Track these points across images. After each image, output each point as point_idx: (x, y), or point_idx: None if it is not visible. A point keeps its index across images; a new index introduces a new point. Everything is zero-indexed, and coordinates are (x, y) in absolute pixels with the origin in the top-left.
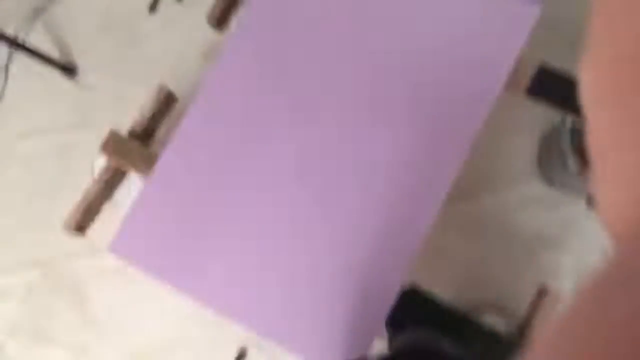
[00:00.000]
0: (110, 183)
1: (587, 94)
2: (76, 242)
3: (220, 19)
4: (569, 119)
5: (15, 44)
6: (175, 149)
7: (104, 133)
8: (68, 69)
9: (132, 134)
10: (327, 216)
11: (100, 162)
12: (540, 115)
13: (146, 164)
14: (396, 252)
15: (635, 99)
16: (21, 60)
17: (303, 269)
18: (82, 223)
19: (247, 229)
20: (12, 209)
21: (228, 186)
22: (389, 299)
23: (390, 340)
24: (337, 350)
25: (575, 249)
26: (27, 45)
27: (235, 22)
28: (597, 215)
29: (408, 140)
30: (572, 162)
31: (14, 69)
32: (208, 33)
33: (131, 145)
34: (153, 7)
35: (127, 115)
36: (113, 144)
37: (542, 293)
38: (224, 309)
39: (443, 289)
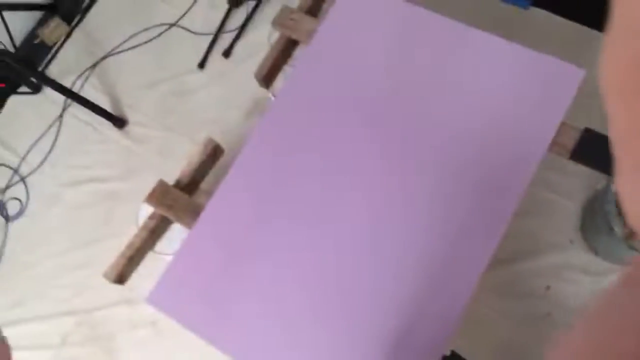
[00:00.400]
0: (153, 233)
1: (609, 87)
2: (113, 291)
3: (267, 77)
4: (613, 183)
5: (71, 94)
6: (219, 202)
7: (148, 184)
8: (118, 120)
9: (179, 185)
10: (367, 281)
11: (145, 212)
12: (585, 180)
13: (190, 214)
14: (439, 320)
15: None
16: (75, 110)
17: (343, 331)
18: (123, 273)
19: (287, 288)
20: (53, 255)
21: (269, 242)
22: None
23: None
24: None
25: None
26: (81, 95)
27: (280, 80)
28: (624, 210)
29: (453, 204)
30: (617, 227)
31: (67, 118)
32: (253, 89)
33: (177, 195)
34: (202, 63)
35: (173, 167)
36: (159, 194)
37: None
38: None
39: (481, 357)
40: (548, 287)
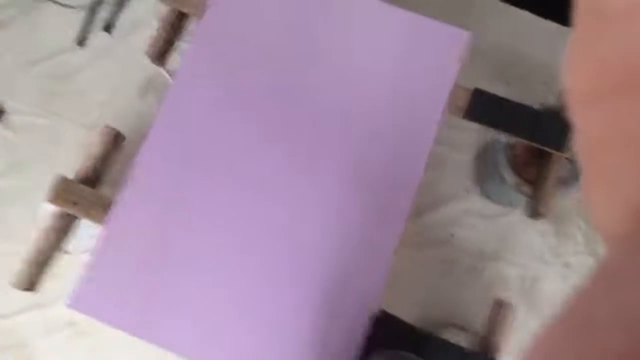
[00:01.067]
0: (59, 232)
1: (574, 94)
2: (19, 297)
3: (159, 53)
4: (503, 137)
5: None
6: (130, 193)
7: (41, 178)
8: None
9: (80, 178)
10: (292, 251)
11: (45, 210)
12: (475, 134)
13: (99, 209)
14: (368, 278)
15: (622, 99)
16: None
17: (270, 306)
18: (32, 279)
19: (211, 273)
20: None
21: (190, 229)
22: (363, 326)
23: None
24: None
25: (517, 258)
26: None
27: (175, 56)
28: (590, 216)
29: (363, 172)
30: (507, 175)
31: None
32: (143, 65)
33: (81, 190)
34: (81, 40)
35: (65, 156)
36: (61, 190)
37: (497, 305)
38: (191, 355)
39: (397, 311)
40: (452, 235)
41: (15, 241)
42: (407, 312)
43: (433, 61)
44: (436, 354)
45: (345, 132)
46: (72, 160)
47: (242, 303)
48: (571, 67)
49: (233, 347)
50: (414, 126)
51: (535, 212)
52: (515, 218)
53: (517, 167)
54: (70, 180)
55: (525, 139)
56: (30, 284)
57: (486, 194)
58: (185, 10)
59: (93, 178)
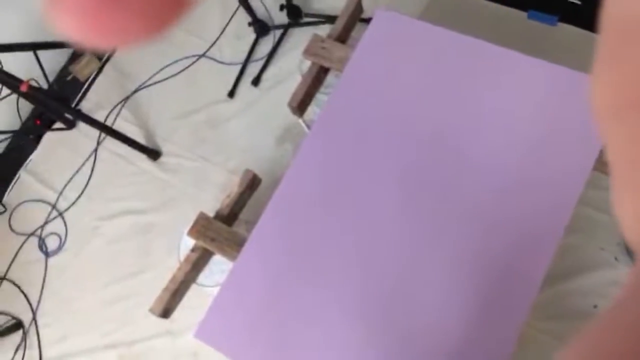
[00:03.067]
0: (196, 265)
1: (599, 107)
2: (154, 323)
3: (300, 104)
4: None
5: (105, 128)
6: (261, 233)
7: (185, 214)
8: (152, 152)
9: (218, 216)
10: (416, 312)
11: (186, 244)
12: None
13: (233, 246)
14: (497, 344)
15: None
16: (109, 143)
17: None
18: (168, 307)
19: (332, 319)
20: (94, 289)
21: (313, 271)
22: None
23: None
24: None
25: None
26: (114, 129)
27: (312, 107)
28: (622, 230)
29: (502, 229)
30: None
31: (102, 152)
32: (283, 115)
33: (218, 227)
34: (232, 92)
35: (208, 196)
36: (201, 226)
37: None
38: None
39: None
40: (596, 306)
41: (158, 271)
42: None
43: (584, 115)
44: None
45: (486, 183)
46: (213, 200)
47: (365, 342)
48: (596, 79)
49: None
50: (559, 180)
51: None
52: None
53: None
54: (210, 218)
55: None
56: (165, 311)
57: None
58: (327, 65)
59: (230, 216)
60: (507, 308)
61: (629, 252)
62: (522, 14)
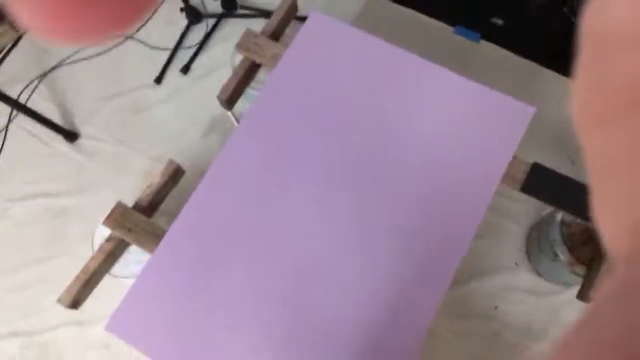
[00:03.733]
0: (110, 256)
1: (579, 119)
2: (63, 312)
3: (230, 98)
4: (559, 213)
5: (17, 105)
6: (182, 226)
7: (102, 201)
8: (69, 133)
9: (138, 207)
10: (329, 309)
11: (101, 233)
12: (531, 207)
13: (151, 238)
14: (405, 342)
15: (628, 124)
16: (22, 121)
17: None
18: (78, 298)
19: (250, 314)
20: (2, 274)
21: (230, 266)
22: None
23: None
24: None
25: None
26: (28, 107)
27: (240, 101)
28: (601, 240)
29: (414, 233)
30: (561, 253)
31: (13, 129)
32: (211, 106)
33: (136, 217)
34: (159, 78)
35: (127, 183)
36: (118, 216)
37: None
38: None
39: None
40: (496, 307)
41: (69, 258)
42: None
43: (496, 131)
44: None
45: (402, 188)
46: (133, 188)
47: (280, 350)
48: (577, 91)
49: None
50: (469, 191)
51: (585, 296)
52: (566, 297)
53: (572, 246)
54: (128, 208)
55: (582, 218)
56: (75, 302)
57: (536, 270)
58: (259, 61)
59: (150, 207)
60: (419, 304)
61: (529, 258)
62: (449, 29)
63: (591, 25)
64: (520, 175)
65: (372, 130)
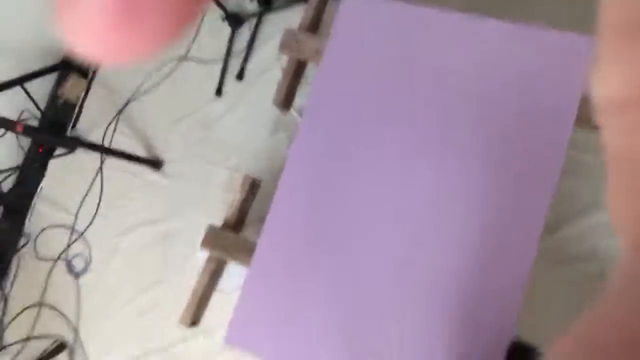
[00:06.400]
0: (214, 274)
1: (600, 103)
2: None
3: (285, 100)
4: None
5: (104, 150)
6: (269, 234)
7: (194, 217)
8: (154, 162)
9: (226, 225)
10: (423, 267)
11: (202, 253)
12: None
13: (244, 251)
14: (501, 301)
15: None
16: (111, 162)
17: (410, 327)
18: (195, 316)
19: (349, 305)
20: (125, 302)
21: (324, 260)
22: (502, 348)
23: None
24: None
25: None
26: (114, 148)
27: (297, 99)
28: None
29: (498, 182)
30: None
31: (106, 170)
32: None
33: (227, 236)
34: (219, 90)
35: (214, 197)
36: (212, 238)
37: None
38: None
39: (535, 333)
40: (596, 247)
41: (181, 276)
42: (545, 333)
43: (561, 70)
44: None
45: (477, 138)
46: (220, 202)
47: (386, 324)
48: (599, 75)
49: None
50: (547, 130)
51: None
52: None
53: None
54: (218, 229)
55: None
56: (193, 321)
57: None
58: (304, 58)
59: (237, 223)
60: (515, 250)
61: None
62: None
63: (613, 10)
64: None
65: (437, 95)
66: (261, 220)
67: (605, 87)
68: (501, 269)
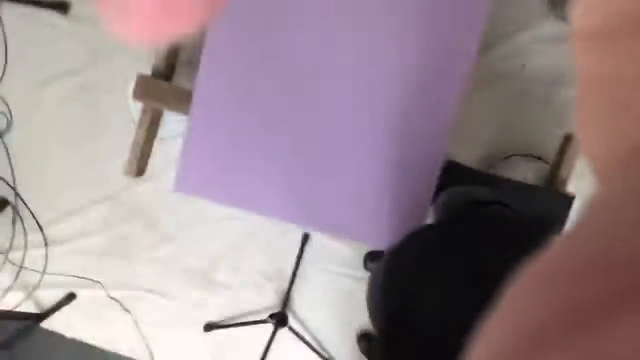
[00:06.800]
0: (152, 124)
1: (577, 31)
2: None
3: None
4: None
5: None
6: (205, 80)
7: (119, 65)
8: (59, 5)
9: (157, 73)
10: (363, 101)
11: (136, 104)
12: None
13: (179, 99)
14: (436, 122)
15: (623, 41)
16: (8, 8)
17: (348, 159)
18: (139, 167)
19: (290, 134)
20: (59, 156)
21: (265, 100)
22: (436, 172)
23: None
24: (390, 231)
25: None
26: None
27: None
28: (581, 152)
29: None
30: None
31: (7, 19)
32: None
33: (159, 85)
34: None
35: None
36: (143, 88)
37: (568, 138)
38: (280, 214)
39: (469, 147)
40: (524, 65)
41: (116, 128)
42: (477, 147)
43: None
44: (502, 188)
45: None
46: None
47: (319, 160)
48: (577, 5)
49: (310, 199)
50: None
51: None
52: None
53: None
54: (149, 78)
55: None
56: (140, 171)
57: (562, 16)
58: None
59: (168, 70)
60: (449, 72)
61: (552, 5)
62: None
63: None
64: None
65: None
66: (191, 63)
67: (588, 16)
68: (435, 90)
